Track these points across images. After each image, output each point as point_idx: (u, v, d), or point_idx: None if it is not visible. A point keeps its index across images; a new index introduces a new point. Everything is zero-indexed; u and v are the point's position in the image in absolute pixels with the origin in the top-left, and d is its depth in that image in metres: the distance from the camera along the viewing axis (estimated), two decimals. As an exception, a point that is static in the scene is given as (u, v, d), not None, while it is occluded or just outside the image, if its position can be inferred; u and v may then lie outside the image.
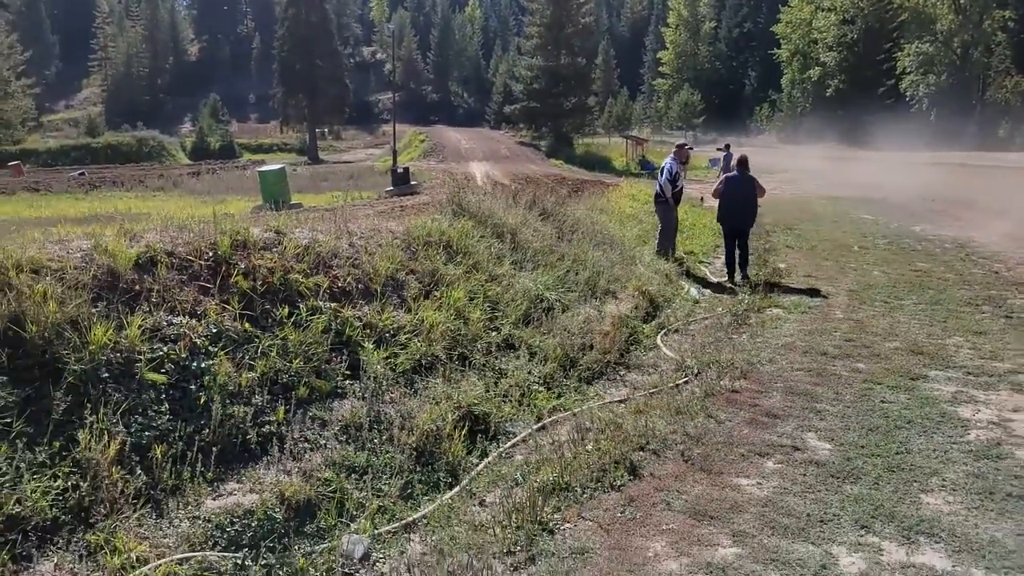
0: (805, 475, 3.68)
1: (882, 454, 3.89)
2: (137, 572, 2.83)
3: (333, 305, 4.84)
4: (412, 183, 22.08)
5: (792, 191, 25.45)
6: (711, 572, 2.84)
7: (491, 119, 67.28)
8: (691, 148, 13.76)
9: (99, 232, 4.39)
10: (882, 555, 2.95)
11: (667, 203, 10.07)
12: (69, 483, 3.12)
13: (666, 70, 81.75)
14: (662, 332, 6.92)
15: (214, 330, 4.14)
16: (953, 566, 2.86)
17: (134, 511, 3.14)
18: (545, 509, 3.48)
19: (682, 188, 10.48)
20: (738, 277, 9.39)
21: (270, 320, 4.47)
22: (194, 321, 4.12)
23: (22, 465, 3.07)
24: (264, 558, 3.14)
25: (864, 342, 6.13)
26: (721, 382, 5.18)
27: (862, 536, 3.09)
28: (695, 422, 4.41)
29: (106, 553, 2.88)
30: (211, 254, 4.59)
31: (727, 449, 4.02)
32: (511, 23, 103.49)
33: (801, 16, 64.68)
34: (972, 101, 51.82)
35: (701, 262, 10.71)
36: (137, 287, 4.13)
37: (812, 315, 7.21)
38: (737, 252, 9.51)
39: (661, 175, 10.21)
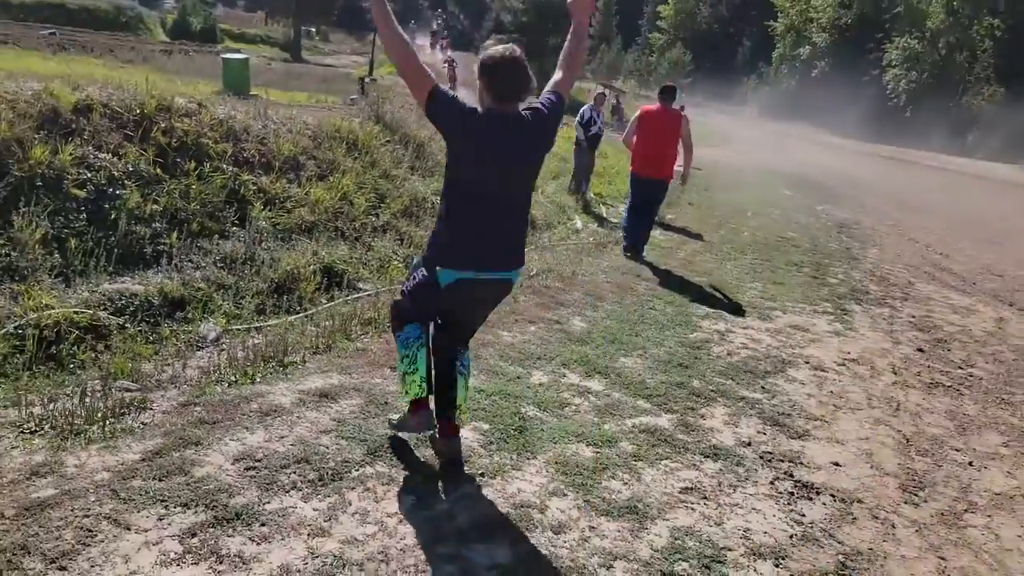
0: (551, 336, 5.06)
1: (617, 334, 5.28)
2: (45, 312, 4.07)
3: (235, 169, 6.01)
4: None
5: (739, 162, 26.79)
6: (441, 370, 4.20)
7: (479, 45, 66.68)
8: (606, 93, 16.03)
9: (48, 77, 5.45)
10: (563, 378, 4.34)
11: (578, 146, 11.42)
12: (3, 251, 4.31)
13: (664, 25, 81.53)
14: (530, 247, 8.23)
15: (130, 168, 5.29)
16: (603, 389, 4.27)
17: (49, 278, 4.36)
18: (356, 331, 4.80)
19: (596, 133, 11.71)
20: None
21: (178, 171, 5.63)
22: (116, 159, 5.27)
23: (-31, 232, 4.25)
24: (139, 325, 4.41)
25: (677, 275, 7.53)
26: (544, 282, 6.54)
27: (558, 368, 4.48)
28: (499, 299, 5.74)
29: (25, 298, 4.11)
30: (138, 111, 5.70)
31: (509, 316, 5.37)
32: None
33: (802, -9, 65.05)
34: (949, 104, 53.17)
35: (604, 204, 12.01)
36: (74, 125, 5.25)
37: (656, 253, 8.58)
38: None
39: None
